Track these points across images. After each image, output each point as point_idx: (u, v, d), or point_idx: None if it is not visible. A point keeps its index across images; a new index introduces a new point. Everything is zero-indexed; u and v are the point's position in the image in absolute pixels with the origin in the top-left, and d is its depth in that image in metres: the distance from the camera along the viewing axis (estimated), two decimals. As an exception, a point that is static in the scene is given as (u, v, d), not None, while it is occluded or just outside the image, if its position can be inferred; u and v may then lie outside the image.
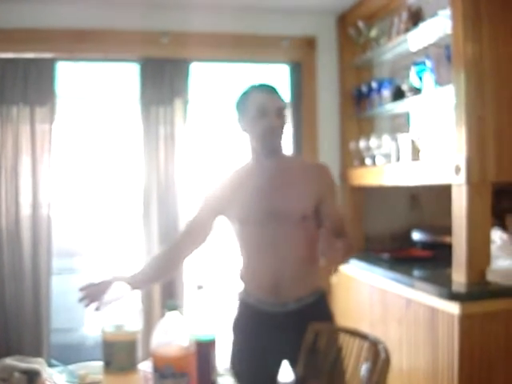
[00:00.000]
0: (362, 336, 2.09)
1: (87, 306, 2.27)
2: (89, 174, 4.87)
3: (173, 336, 1.74)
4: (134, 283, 2.35)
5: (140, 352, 1.88)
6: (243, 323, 2.51)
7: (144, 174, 3.98)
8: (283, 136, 2.41)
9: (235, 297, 2.55)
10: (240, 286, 2.53)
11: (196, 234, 2.51)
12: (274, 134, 2.37)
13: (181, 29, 3.97)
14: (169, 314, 1.77)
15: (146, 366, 2.00)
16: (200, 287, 1.92)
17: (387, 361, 1.89)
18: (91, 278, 2.41)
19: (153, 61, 3.98)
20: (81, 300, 2.28)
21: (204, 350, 1.87)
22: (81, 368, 2.20)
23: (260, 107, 2.35)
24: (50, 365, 2.41)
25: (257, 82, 2.45)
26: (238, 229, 2.46)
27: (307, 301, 2.42)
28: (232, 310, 2.55)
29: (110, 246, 4.98)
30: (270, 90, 2.39)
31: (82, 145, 4.92)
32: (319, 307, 2.47)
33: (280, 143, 2.41)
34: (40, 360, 2.18)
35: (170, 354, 1.71)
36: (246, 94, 2.42)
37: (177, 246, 2.55)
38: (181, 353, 1.72)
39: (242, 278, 2.52)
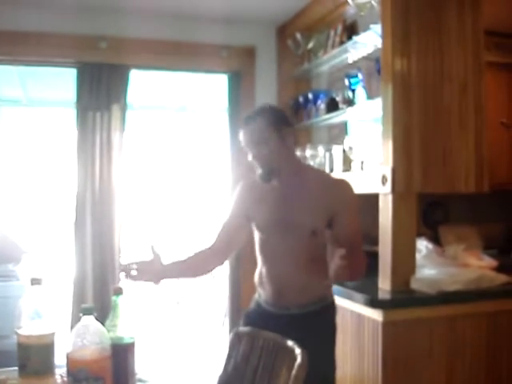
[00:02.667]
0: (281, 341, 2.11)
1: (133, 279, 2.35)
2: (25, 179, 4.82)
3: (88, 340, 1.74)
4: (169, 270, 2.43)
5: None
6: (253, 318, 2.58)
7: (78, 180, 3.93)
8: (273, 158, 2.42)
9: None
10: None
11: (230, 236, 2.58)
12: (259, 163, 2.43)
13: (120, 34, 3.96)
14: (85, 318, 1.77)
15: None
16: (118, 292, 1.91)
17: (303, 366, 1.92)
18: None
19: (90, 66, 3.95)
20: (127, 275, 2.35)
21: (121, 353, 1.86)
22: (0, 373, 2.16)
23: (242, 143, 2.47)
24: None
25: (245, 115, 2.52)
26: (256, 235, 2.57)
27: (311, 308, 2.48)
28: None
29: (45, 251, 4.92)
30: (246, 123, 2.45)
31: (20, 149, 4.87)
32: (324, 316, 2.52)
33: (269, 167, 2.43)
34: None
35: (85, 358, 1.71)
36: None
37: (212, 247, 2.57)
38: (95, 356, 1.72)
39: (255, 280, 2.63)
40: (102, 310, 1.90)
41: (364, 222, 4.04)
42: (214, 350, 3.94)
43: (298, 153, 4.00)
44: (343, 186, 2.48)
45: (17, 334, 1.80)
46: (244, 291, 4.11)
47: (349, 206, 2.44)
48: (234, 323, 4.15)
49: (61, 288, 4.31)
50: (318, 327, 2.44)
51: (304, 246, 2.45)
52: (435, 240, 3.77)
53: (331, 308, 2.56)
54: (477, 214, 4.46)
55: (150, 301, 5.57)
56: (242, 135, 2.47)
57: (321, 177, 2.58)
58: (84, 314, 1.77)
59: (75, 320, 3.77)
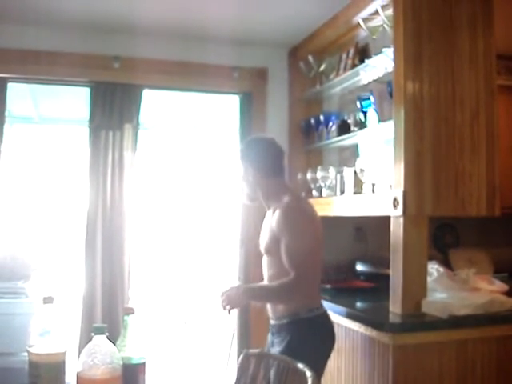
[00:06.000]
0: (291, 363, 2.11)
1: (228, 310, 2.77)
2: (37, 197, 4.84)
3: (99, 359, 1.74)
4: None
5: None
6: None
7: (90, 198, 3.94)
8: (247, 184, 2.92)
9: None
10: None
11: None
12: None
13: (133, 55, 4.00)
14: (96, 338, 1.77)
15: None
16: (129, 312, 1.91)
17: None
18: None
19: (104, 85, 3.98)
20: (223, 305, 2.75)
21: (132, 374, 1.86)
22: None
23: None
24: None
25: None
26: None
27: (282, 321, 2.76)
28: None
29: (55, 269, 4.93)
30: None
31: (31, 166, 4.89)
32: (291, 329, 2.73)
33: (245, 193, 2.96)
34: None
35: (95, 377, 1.71)
36: None
37: None
38: (106, 376, 1.72)
39: None
40: (111, 329, 1.90)
41: (372, 244, 4.11)
42: (223, 370, 3.92)
43: (309, 174, 4.03)
44: (284, 211, 2.72)
45: (28, 351, 1.80)
46: (252, 311, 4.10)
47: (286, 229, 2.68)
48: (242, 343, 4.13)
49: (70, 306, 4.30)
50: (286, 339, 2.71)
51: (269, 265, 2.83)
52: (445, 263, 3.76)
53: (299, 323, 2.73)
54: (487, 238, 4.45)
55: (158, 321, 5.56)
56: None
57: (280, 203, 2.78)
58: (96, 334, 1.77)
59: (84, 338, 3.77)
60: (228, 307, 2.75)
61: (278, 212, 2.73)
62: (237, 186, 4.04)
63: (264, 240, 2.83)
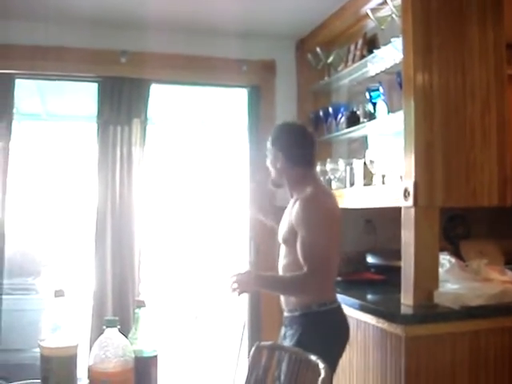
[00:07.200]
0: (303, 355, 2.10)
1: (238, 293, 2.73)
2: (45, 193, 4.84)
3: (111, 352, 1.73)
4: None
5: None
6: None
7: (99, 194, 3.94)
8: (273, 170, 2.90)
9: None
10: None
11: None
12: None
13: (140, 49, 3.99)
14: (108, 331, 1.76)
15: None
16: (141, 305, 1.91)
17: (327, 381, 1.91)
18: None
19: (111, 80, 3.98)
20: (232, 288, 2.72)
21: (144, 366, 1.86)
22: (22, 386, 2.16)
23: None
24: (-7, 383, 2.37)
25: None
26: None
27: (295, 313, 2.75)
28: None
29: (66, 264, 4.94)
30: None
31: (39, 163, 4.90)
32: (303, 322, 2.72)
33: (272, 179, 2.94)
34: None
35: (107, 370, 1.71)
36: None
37: None
38: (118, 369, 1.72)
39: None
40: (122, 323, 1.89)
41: (383, 236, 4.10)
42: (235, 363, 3.93)
43: (318, 166, 4.01)
44: (303, 203, 2.70)
45: (39, 346, 1.79)
46: (263, 303, 4.10)
47: (303, 223, 2.66)
48: (253, 335, 4.12)
49: (80, 301, 4.31)
50: (298, 332, 2.70)
51: (285, 254, 2.82)
52: (456, 255, 3.74)
53: (312, 317, 2.72)
54: (498, 230, 4.42)
55: (169, 316, 5.57)
56: None
57: (302, 194, 2.76)
58: (108, 327, 1.76)
59: (95, 332, 3.77)
60: (237, 291, 2.72)
61: (297, 203, 2.72)
62: (247, 181, 4.04)
63: (283, 229, 2.82)
